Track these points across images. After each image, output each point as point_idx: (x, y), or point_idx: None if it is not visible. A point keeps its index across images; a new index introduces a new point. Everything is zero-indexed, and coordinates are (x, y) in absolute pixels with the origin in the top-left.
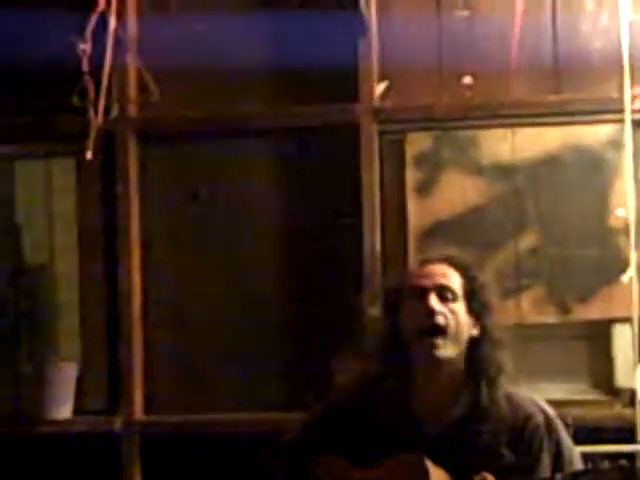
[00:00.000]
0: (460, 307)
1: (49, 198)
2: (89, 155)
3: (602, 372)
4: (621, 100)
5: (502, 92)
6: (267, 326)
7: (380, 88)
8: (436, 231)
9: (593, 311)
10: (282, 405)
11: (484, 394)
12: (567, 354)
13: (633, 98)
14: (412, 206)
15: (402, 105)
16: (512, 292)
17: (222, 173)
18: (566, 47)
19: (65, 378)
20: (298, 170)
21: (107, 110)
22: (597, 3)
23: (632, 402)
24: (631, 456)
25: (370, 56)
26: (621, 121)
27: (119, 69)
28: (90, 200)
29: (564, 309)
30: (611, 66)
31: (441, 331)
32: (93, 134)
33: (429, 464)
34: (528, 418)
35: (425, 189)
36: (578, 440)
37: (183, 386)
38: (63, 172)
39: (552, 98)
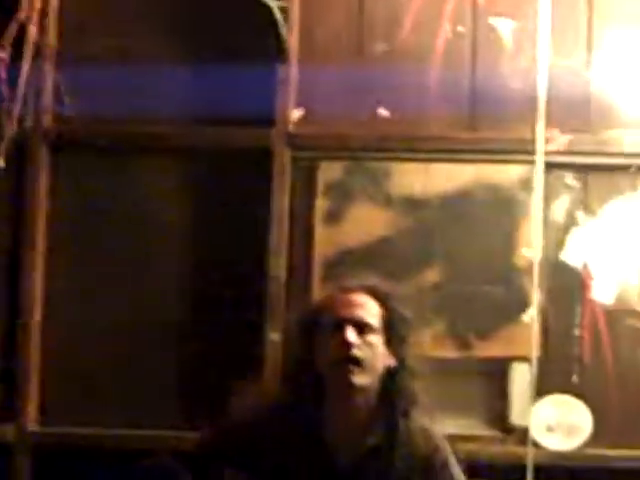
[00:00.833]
0: (377, 339)
1: None
2: (1, 162)
3: (497, 409)
4: (534, 141)
5: (418, 126)
6: (167, 344)
7: (296, 114)
8: (342, 261)
9: (493, 348)
10: (176, 424)
11: (399, 424)
12: (464, 390)
13: (547, 140)
14: (319, 234)
15: (317, 132)
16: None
17: (131, 190)
18: (484, 85)
19: None
20: (207, 191)
21: (21, 120)
22: (517, 44)
23: (525, 440)
24: None
25: (287, 82)
26: (533, 162)
27: (36, 79)
28: None
29: (464, 345)
30: (527, 107)
31: (357, 362)
32: (5, 142)
33: None
34: (437, 449)
35: (334, 218)
36: (470, 475)
37: (79, 399)
38: None
39: (467, 135)
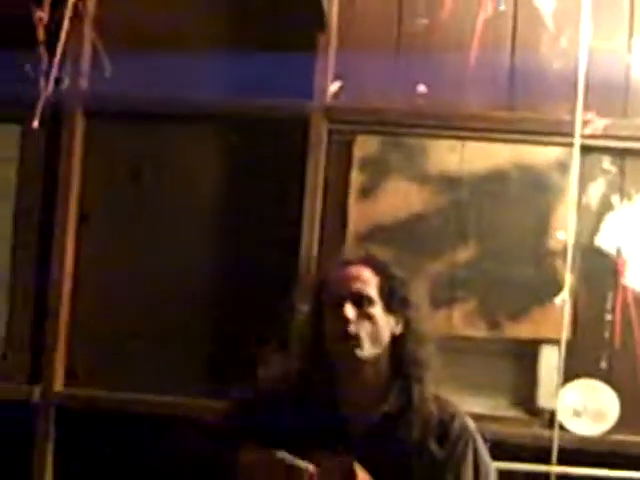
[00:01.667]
0: (377, 310)
1: None
2: (35, 124)
3: (525, 391)
4: (572, 124)
5: (455, 104)
6: (197, 312)
7: (333, 87)
8: (375, 235)
9: (523, 330)
10: (204, 391)
11: (413, 391)
12: (492, 370)
13: (584, 123)
14: (353, 209)
15: (354, 106)
16: (444, 303)
17: (166, 156)
18: (523, 65)
19: None
20: (243, 161)
21: (58, 81)
22: (558, 25)
23: (551, 423)
24: (546, 476)
25: (327, 54)
26: (570, 145)
27: (74, 41)
28: (31, 170)
29: (494, 325)
30: (565, 89)
31: (354, 338)
32: (42, 103)
33: (359, 470)
34: (454, 416)
35: (368, 193)
36: (494, 456)
37: (107, 363)
38: (6, 139)
39: (504, 114)
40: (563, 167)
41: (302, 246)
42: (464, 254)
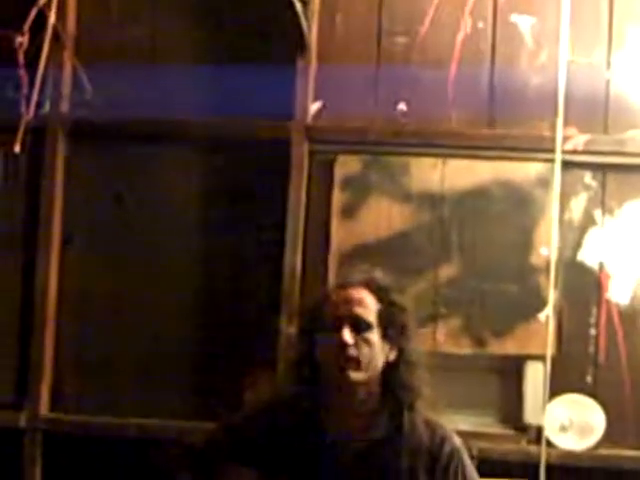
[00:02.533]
0: (374, 335)
1: None
2: (17, 148)
3: (511, 407)
4: (553, 139)
5: (436, 122)
6: (181, 335)
7: (314, 107)
8: (358, 254)
9: (508, 346)
10: (189, 414)
11: (404, 418)
12: (478, 387)
13: (565, 139)
14: (336, 228)
15: (335, 126)
16: (429, 320)
17: (148, 178)
18: (503, 82)
19: None
20: (225, 181)
21: (39, 105)
22: (537, 41)
23: (538, 439)
24: None
25: (307, 74)
26: (551, 160)
27: (54, 65)
28: (14, 194)
29: (479, 342)
30: (546, 105)
31: (353, 361)
32: (23, 127)
33: None
34: (444, 440)
35: (351, 212)
36: (482, 473)
37: (92, 387)
38: None
39: (485, 131)
40: (545, 183)
41: (285, 266)
42: (447, 271)
